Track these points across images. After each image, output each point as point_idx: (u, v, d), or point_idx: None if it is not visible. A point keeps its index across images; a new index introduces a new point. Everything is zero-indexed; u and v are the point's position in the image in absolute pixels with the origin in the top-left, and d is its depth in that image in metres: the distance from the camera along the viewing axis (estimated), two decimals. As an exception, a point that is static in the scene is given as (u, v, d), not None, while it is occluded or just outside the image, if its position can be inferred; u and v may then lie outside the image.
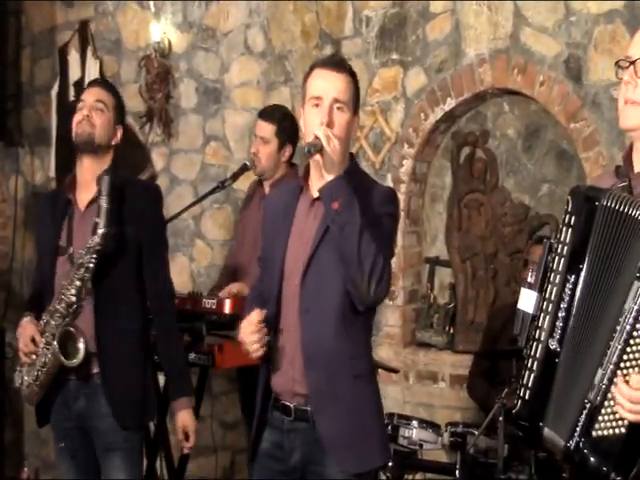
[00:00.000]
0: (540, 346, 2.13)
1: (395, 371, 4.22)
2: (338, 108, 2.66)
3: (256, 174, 4.33)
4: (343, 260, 2.57)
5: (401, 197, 4.73)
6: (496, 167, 4.68)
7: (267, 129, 4.26)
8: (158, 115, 5.57)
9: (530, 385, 2.13)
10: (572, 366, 2.09)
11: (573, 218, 2.14)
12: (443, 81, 4.60)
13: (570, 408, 2.07)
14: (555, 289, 2.13)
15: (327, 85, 2.66)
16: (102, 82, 3.68)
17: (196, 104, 5.53)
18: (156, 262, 3.29)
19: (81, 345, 3.14)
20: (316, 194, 2.69)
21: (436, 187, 4.88)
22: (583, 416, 2.03)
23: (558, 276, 2.14)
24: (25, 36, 6.23)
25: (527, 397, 2.13)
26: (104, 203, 3.08)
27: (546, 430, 2.11)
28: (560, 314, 2.11)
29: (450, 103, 4.60)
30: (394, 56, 4.77)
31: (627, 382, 1.96)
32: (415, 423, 3.84)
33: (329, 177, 2.59)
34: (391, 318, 4.82)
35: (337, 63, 2.75)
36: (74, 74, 5.92)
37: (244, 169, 4.33)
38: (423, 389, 4.71)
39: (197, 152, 5.53)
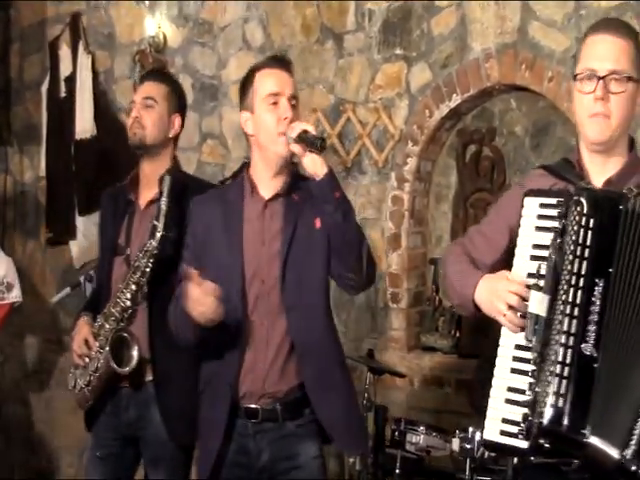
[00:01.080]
0: (570, 352, 2.11)
1: (401, 375, 4.25)
2: (293, 105, 2.84)
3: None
4: (343, 247, 2.76)
5: (405, 196, 4.78)
6: (503, 166, 4.71)
7: None
8: (153, 112, 5.59)
9: (563, 392, 2.10)
10: (616, 372, 2.09)
11: (592, 221, 2.16)
12: (448, 77, 4.63)
13: (621, 416, 2.06)
14: (580, 292, 2.13)
15: (281, 82, 2.83)
16: (151, 74, 3.68)
17: (192, 101, 5.52)
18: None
19: (134, 353, 3.15)
20: (268, 196, 2.86)
21: (441, 186, 4.91)
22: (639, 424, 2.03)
23: (582, 279, 2.14)
24: (14, 30, 6.26)
25: (561, 405, 2.10)
26: (163, 205, 3.10)
27: (593, 439, 2.08)
28: (592, 318, 2.12)
29: (456, 100, 4.63)
30: (398, 51, 4.80)
31: None
32: (423, 429, 3.87)
33: (323, 168, 2.73)
34: (395, 321, 4.85)
35: (285, 61, 2.94)
36: (65, 69, 5.94)
37: (244, 168, 4.34)
38: (428, 394, 4.73)
39: (193, 150, 5.56)
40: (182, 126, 3.39)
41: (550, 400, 2.11)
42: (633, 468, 2.04)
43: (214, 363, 2.89)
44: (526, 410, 2.15)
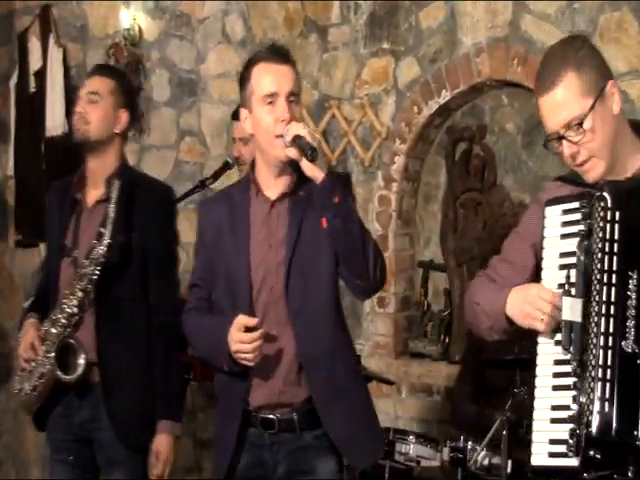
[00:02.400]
0: (611, 352, 2.10)
1: (390, 383, 4.27)
2: (292, 101, 2.80)
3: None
4: (346, 252, 2.73)
5: (393, 196, 4.81)
6: (494, 164, 4.74)
7: (244, 128, 4.30)
8: (128, 108, 5.61)
9: (608, 396, 2.08)
10: None
11: (617, 213, 2.16)
12: (437, 72, 4.66)
13: None
14: (614, 289, 2.13)
15: (279, 79, 2.78)
16: (97, 69, 3.68)
17: (169, 97, 5.57)
18: (161, 274, 3.35)
19: (81, 360, 3.21)
20: (274, 196, 2.83)
21: (430, 186, 4.95)
22: None
23: (614, 275, 2.14)
24: (-20, 22, 6.25)
25: (607, 410, 2.08)
26: (111, 212, 3.14)
27: None
28: (629, 313, 2.11)
29: (445, 96, 4.66)
30: (385, 45, 4.83)
31: None
32: (412, 438, 3.88)
33: (320, 174, 2.72)
34: (382, 327, 4.88)
35: (283, 54, 2.87)
36: (35, 63, 5.95)
37: (226, 167, 4.37)
38: (417, 402, 4.76)
39: (170, 148, 5.57)
40: (131, 122, 3.42)
41: (596, 407, 2.09)
42: None
43: (226, 376, 2.87)
44: (572, 425, 2.15)
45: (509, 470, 3.66)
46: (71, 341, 3.23)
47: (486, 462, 3.77)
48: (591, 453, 2.11)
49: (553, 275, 2.29)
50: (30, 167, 5.90)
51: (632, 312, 2.12)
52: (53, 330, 3.26)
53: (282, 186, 2.85)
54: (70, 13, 5.93)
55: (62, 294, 3.27)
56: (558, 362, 2.24)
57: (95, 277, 3.21)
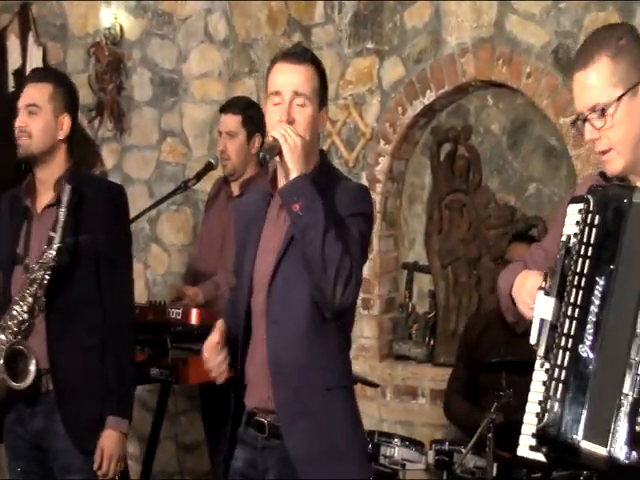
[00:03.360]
0: (568, 354, 2.15)
1: (375, 385, 4.28)
2: (299, 104, 2.72)
3: (226, 173, 4.38)
4: (307, 264, 2.64)
5: (377, 198, 4.82)
6: (479, 165, 4.77)
7: (232, 121, 4.32)
8: (109, 108, 5.61)
9: (560, 397, 2.14)
10: (605, 370, 2.13)
11: (597, 217, 2.20)
12: (422, 72, 4.69)
13: (606, 412, 2.10)
14: (581, 292, 2.17)
15: (285, 79, 2.73)
16: (32, 75, 3.64)
17: (151, 96, 5.57)
18: (114, 274, 3.32)
19: (31, 367, 3.20)
20: None
21: (415, 187, 4.97)
22: (620, 414, 2.08)
23: (583, 279, 2.18)
24: (-43, 20, 6.23)
25: (557, 410, 2.14)
26: (62, 216, 3.13)
27: (583, 444, 2.11)
28: (590, 318, 2.15)
29: (430, 96, 4.68)
30: (369, 45, 4.85)
31: None
32: (397, 441, 3.91)
33: (289, 176, 2.66)
34: (366, 329, 4.89)
35: (297, 54, 2.80)
36: (14, 62, 5.93)
37: (209, 168, 4.38)
38: (401, 405, 4.78)
39: (152, 149, 5.57)
40: (73, 125, 3.39)
41: (549, 406, 2.15)
42: (622, 460, 2.08)
43: (238, 371, 2.86)
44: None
45: (494, 473, 3.70)
46: (21, 347, 3.22)
47: (471, 465, 3.80)
48: (544, 450, 2.18)
49: None
50: (8, 169, 5.87)
51: (592, 318, 2.16)
52: (2, 337, 3.23)
53: None
54: (50, 11, 5.92)
55: (13, 301, 3.27)
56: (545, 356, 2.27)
57: (45, 282, 3.19)
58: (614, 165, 2.30)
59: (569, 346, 2.16)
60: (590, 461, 2.13)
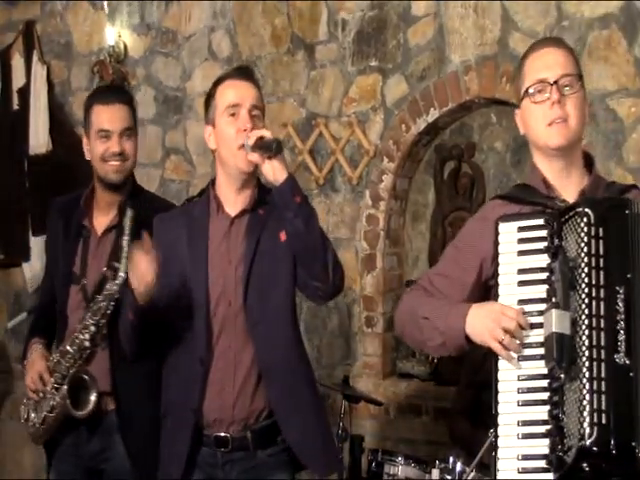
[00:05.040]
0: (604, 364, 2.15)
1: (378, 403, 4.28)
2: (255, 115, 2.88)
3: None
4: (306, 254, 2.82)
5: (380, 215, 4.84)
6: (483, 183, 4.78)
7: None
8: (113, 126, 5.62)
9: (605, 408, 2.13)
10: None
11: (601, 230, 2.23)
12: (426, 90, 4.70)
13: None
14: (603, 303, 2.19)
15: (243, 93, 2.89)
16: (114, 95, 3.52)
17: (155, 114, 5.59)
18: None
19: (92, 397, 3.21)
20: (234, 213, 2.92)
21: (418, 205, 4.97)
22: None
23: (602, 290, 2.20)
24: (-38, 38, 6.26)
25: (605, 421, 2.12)
26: (125, 244, 3.10)
27: None
28: (619, 327, 2.17)
29: (433, 114, 4.69)
30: (372, 62, 4.86)
31: None
32: (401, 459, 3.90)
33: (282, 174, 2.79)
34: (370, 347, 4.89)
35: (248, 73, 3.01)
36: (18, 81, 5.96)
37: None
38: (405, 423, 4.77)
39: (156, 166, 5.59)
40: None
41: (588, 419, 2.13)
42: None
43: (175, 389, 2.94)
44: (548, 440, 2.19)
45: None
46: (84, 376, 3.23)
47: (475, 484, 3.78)
48: (584, 465, 2.14)
49: (512, 291, 2.34)
50: (13, 185, 5.91)
51: (622, 326, 2.18)
52: (63, 362, 3.26)
53: (242, 203, 2.93)
54: (54, 29, 5.95)
55: (72, 325, 3.27)
56: (523, 378, 2.28)
57: (109, 312, 3.20)
58: (563, 135, 2.43)
59: (602, 357, 2.16)
60: None
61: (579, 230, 2.25)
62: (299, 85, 5.08)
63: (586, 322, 2.19)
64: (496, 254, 2.37)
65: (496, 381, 2.32)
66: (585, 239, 2.23)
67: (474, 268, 2.53)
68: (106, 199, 3.36)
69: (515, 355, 2.30)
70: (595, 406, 2.13)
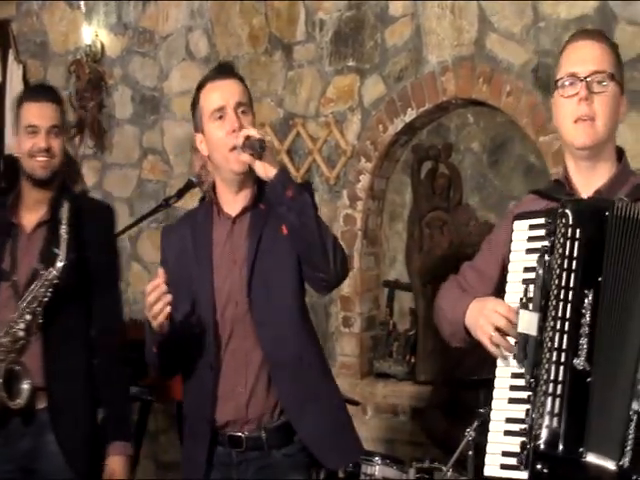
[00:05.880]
0: (563, 368, 2.15)
1: (355, 403, 4.28)
2: (243, 112, 2.83)
3: (204, 191, 4.38)
4: (304, 246, 2.77)
5: (358, 215, 4.85)
6: (460, 183, 4.80)
7: None
8: (90, 126, 5.62)
9: (557, 412, 2.13)
10: (608, 382, 2.14)
11: (578, 231, 2.21)
12: (403, 90, 4.72)
13: (614, 425, 2.11)
14: (570, 306, 2.18)
15: (225, 93, 2.83)
16: (41, 94, 3.49)
17: (132, 114, 5.58)
18: (107, 294, 3.34)
19: (26, 386, 3.18)
20: (234, 213, 2.87)
21: (395, 205, 4.99)
22: (632, 429, 2.09)
23: (571, 292, 2.19)
24: (-63, 38, 6.23)
25: (556, 425, 2.13)
26: (64, 233, 3.11)
27: (590, 456, 2.12)
28: (582, 331, 2.16)
29: (411, 114, 4.71)
30: (350, 63, 4.88)
31: None
32: (378, 459, 3.90)
33: (272, 170, 2.75)
34: (347, 347, 4.91)
35: (228, 69, 2.94)
36: (-6, 80, 5.94)
37: (190, 186, 4.35)
38: (382, 423, 4.79)
39: (133, 167, 5.58)
40: None
41: (545, 421, 2.14)
42: (634, 477, 2.09)
43: (190, 395, 2.93)
44: (524, 438, 2.19)
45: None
46: (16, 367, 3.21)
47: (453, 483, 3.80)
48: (539, 467, 2.16)
49: (516, 289, 2.33)
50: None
51: (585, 330, 2.17)
52: None
53: (242, 201, 2.90)
54: (30, 28, 5.93)
55: (1, 316, 3.25)
56: (515, 375, 2.29)
57: (46, 299, 3.19)
58: (590, 136, 2.36)
59: (562, 360, 2.16)
60: (596, 475, 2.13)
61: (557, 231, 2.25)
62: (276, 85, 5.09)
63: (552, 324, 2.18)
64: (509, 251, 2.37)
65: (493, 377, 2.32)
66: (561, 240, 2.22)
67: (499, 263, 2.50)
68: (34, 196, 3.35)
69: (505, 352, 2.30)
70: (549, 408, 2.14)
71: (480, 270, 2.55)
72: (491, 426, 2.28)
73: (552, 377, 2.15)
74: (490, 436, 2.28)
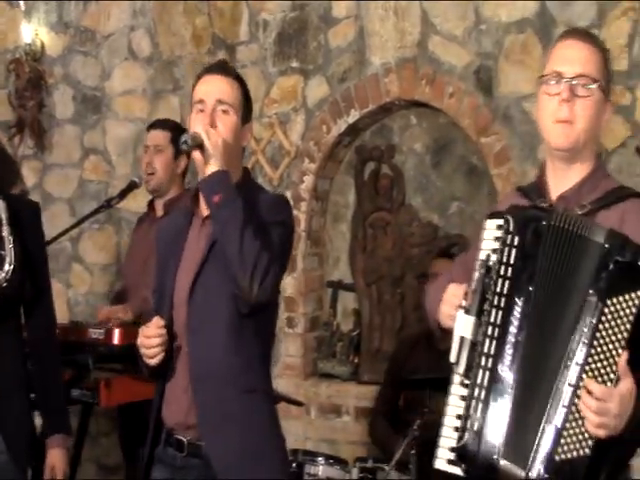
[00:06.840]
0: (488, 374, 2.19)
1: (299, 404, 4.29)
2: (223, 111, 2.76)
3: (150, 190, 4.36)
4: (226, 258, 2.66)
5: (301, 216, 4.85)
6: (403, 184, 4.83)
7: (161, 136, 4.31)
8: (29, 125, 5.56)
9: (479, 416, 2.18)
10: (527, 392, 2.17)
11: (516, 238, 2.24)
12: (346, 91, 4.74)
13: (528, 436, 2.14)
14: (501, 313, 2.21)
15: (210, 88, 2.77)
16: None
17: (73, 114, 5.53)
18: (42, 294, 3.31)
19: None
20: (205, 212, 2.77)
21: (339, 205, 5.01)
22: (543, 441, 2.12)
23: (503, 299, 2.21)
24: None
25: (477, 429, 2.18)
26: (7, 234, 3.08)
27: (502, 462, 2.16)
28: (509, 339, 2.19)
29: (354, 115, 4.74)
30: (294, 64, 4.89)
31: (590, 394, 2.07)
32: (321, 459, 3.91)
33: (205, 172, 2.67)
34: (291, 347, 4.91)
35: (222, 67, 2.87)
36: None
37: (132, 186, 4.35)
38: (326, 423, 4.81)
39: (74, 167, 5.53)
40: None
41: (469, 424, 2.19)
42: None
43: (155, 393, 2.88)
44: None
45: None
46: None
47: (396, 482, 3.83)
48: (464, 466, 2.22)
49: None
50: None
51: (512, 338, 2.20)
52: None
53: None
54: (-33, 26, 5.85)
55: None
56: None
57: None
58: (568, 136, 2.34)
59: (489, 366, 2.20)
60: None
61: (498, 233, 2.27)
62: (220, 85, 5.07)
63: (484, 329, 2.21)
64: (479, 250, 2.35)
65: (442, 376, 2.38)
66: (501, 247, 2.25)
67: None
68: None
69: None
70: (471, 412, 2.19)
71: (466, 264, 2.53)
72: (445, 421, 2.30)
73: (478, 382, 2.20)
74: (443, 430, 2.30)
